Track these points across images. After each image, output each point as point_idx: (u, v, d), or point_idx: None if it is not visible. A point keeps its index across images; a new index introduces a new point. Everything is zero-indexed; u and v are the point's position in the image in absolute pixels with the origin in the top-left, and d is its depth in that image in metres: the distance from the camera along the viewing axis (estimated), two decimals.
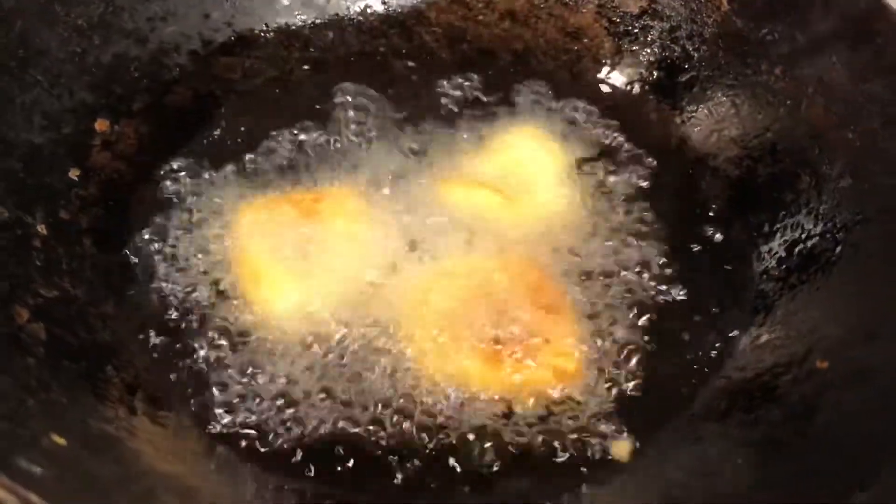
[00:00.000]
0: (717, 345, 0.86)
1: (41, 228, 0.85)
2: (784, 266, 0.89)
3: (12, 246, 0.82)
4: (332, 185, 0.95)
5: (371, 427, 0.79)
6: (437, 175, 0.97)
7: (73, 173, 0.91)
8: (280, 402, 0.81)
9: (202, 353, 0.83)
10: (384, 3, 1.15)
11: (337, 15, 1.13)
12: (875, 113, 0.87)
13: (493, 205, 0.93)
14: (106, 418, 0.72)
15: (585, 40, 1.12)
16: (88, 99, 0.96)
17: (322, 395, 0.81)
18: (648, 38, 1.09)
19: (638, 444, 0.78)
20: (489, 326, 0.83)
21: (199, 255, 0.90)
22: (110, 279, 0.87)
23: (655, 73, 1.09)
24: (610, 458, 0.78)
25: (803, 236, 0.89)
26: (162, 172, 0.97)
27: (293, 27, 1.12)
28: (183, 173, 0.97)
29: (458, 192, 0.94)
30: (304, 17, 1.12)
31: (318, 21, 1.13)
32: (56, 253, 0.85)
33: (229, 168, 0.98)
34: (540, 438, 0.79)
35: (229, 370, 0.82)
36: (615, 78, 1.11)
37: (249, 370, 0.82)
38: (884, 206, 0.84)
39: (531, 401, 0.81)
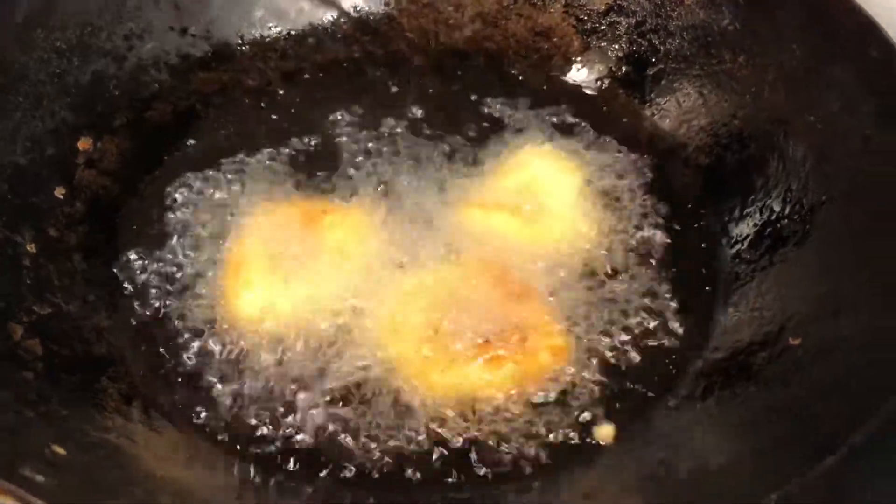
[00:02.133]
0: (695, 327, 0.88)
1: (31, 247, 0.87)
2: (755, 249, 0.92)
3: (3, 265, 0.84)
4: (333, 198, 0.98)
5: (365, 438, 0.81)
6: (440, 190, 1.00)
7: (59, 192, 0.93)
8: (272, 405, 0.83)
9: (194, 359, 0.86)
10: (356, 10, 1.17)
11: (310, 24, 1.16)
12: (834, 97, 0.90)
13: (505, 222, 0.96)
14: (104, 427, 0.74)
15: (555, 39, 1.15)
16: (70, 118, 0.97)
17: (316, 401, 0.83)
18: (615, 34, 1.12)
19: (620, 428, 0.80)
20: (472, 331, 0.85)
21: (188, 264, 0.93)
22: (102, 293, 0.89)
23: (624, 69, 1.11)
24: (594, 441, 0.80)
25: (772, 218, 0.92)
26: (147, 186, 0.99)
27: (268, 39, 1.14)
28: (169, 188, 0.99)
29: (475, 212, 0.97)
30: (278, 29, 1.14)
31: (292, 32, 1.15)
32: (47, 270, 0.87)
33: (215, 178, 1.00)
34: (528, 427, 0.81)
35: (221, 375, 0.84)
36: (584, 75, 1.13)
37: (242, 375, 0.84)
38: (847, 186, 0.87)
39: (517, 392, 0.83)
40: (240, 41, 1.13)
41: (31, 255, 0.86)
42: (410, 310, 0.88)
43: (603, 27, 1.13)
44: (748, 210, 0.96)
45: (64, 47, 0.98)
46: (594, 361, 0.86)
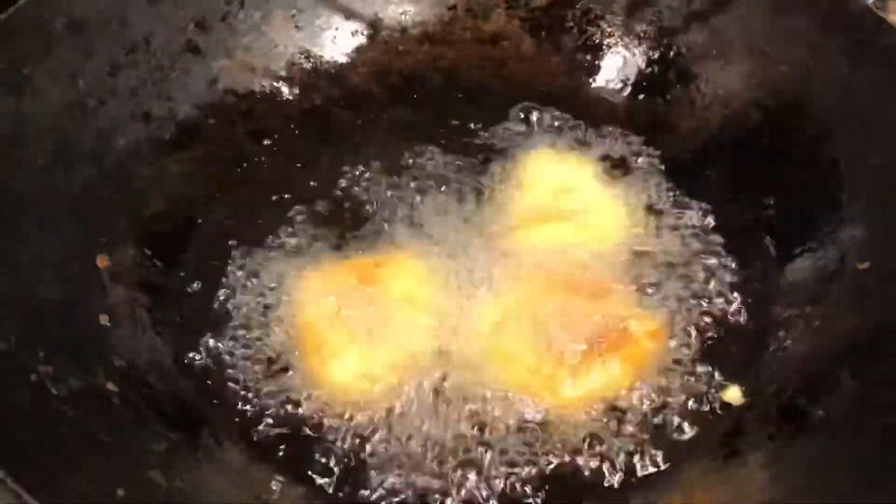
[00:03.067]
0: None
1: (111, 386, 0.79)
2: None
3: (98, 410, 0.76)
4: (377, 250, 0.97)
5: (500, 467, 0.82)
6: (477, 219, 1.00)
7: (104, 319, 0.85)
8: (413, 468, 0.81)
9: (274, 429, 0.84)
10: (309, 58, 1.14)
11: (270, 81, 1.11)
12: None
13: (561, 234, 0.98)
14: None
15: (505, 43, 1.18)
16: (77, 236, 0.89)
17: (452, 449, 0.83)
18: (565, 26, 1.17)
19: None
20: (574, 340, 0.87)
21: (262, 348, 0.89)
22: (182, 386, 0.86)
23: (579, 56, 1.17)
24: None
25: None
26: (177, 284, 0.94)
27: (229, 104, 1.09)
28: (199, 282, 0.94)
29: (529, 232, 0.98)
30: (236, 91, 1.09)
31: (253, 91, 1.11)
32: (131, 398, 0.80)
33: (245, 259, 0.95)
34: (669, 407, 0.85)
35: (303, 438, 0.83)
36: (544, 72, 1.17)
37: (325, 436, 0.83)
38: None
39: (640, 381, 0.87)
40: (201, 112, 1.07)
41: (115, 392, 0.79)
42: (507, 339, 0.89)
43: (550, 22, 1.17)
44: None
45: (43, 163, 0.89)
46: (693, 333, 0.90)
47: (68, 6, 0.94)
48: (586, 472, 0.82)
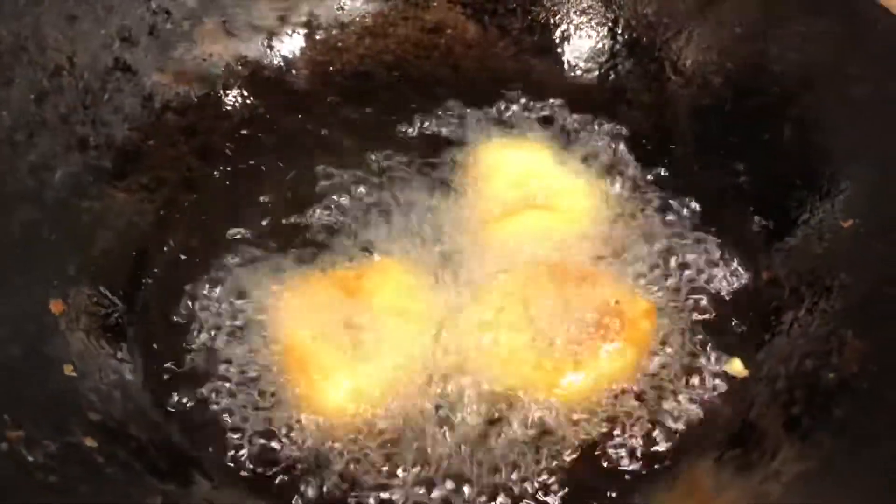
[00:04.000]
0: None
1: (90, 441, 0.72)
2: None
3: (78, 472, 0.69)
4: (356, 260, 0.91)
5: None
6: (453, 218, 0.96)
7: (68, 370, 0.78)
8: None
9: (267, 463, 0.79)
10: (245, 65, 1.08)
11: (208, 94, 1.05)
12: None
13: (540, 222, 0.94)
14: None
15: (448, 31, 1.14)
16: (26, 283, 0.82)
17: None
18: (508, 8, 1.13)
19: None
20: (572, 330, 0.84)
21: (240, 371, 0.84)
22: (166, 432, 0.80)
23: (528, 38, 1.13)
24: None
25: None
26: (150, 310, 0.89)
27: (168, 122, 1.02)
28: (176, 305, 0.88)
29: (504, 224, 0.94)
30: (173, 106, 1.02)
31: (189, 105, 1.03)
32: (114, 454, 0.73)
33: (217, 278, 0.90)
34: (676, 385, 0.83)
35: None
36: (492, 57, 1.13)
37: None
38: None
39: (644, 363, 0.85)
40: (140, 134, 0.99)
41: (96, 448, 0.72)
42: (503, 337, 0.85)
43: (492, 5, 1.13)
44: None
45: None
46: (686, 311, 0.89)
47: None
48: (604, 464, 0.79)
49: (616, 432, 0.81)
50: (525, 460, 0.79)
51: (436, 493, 0.76)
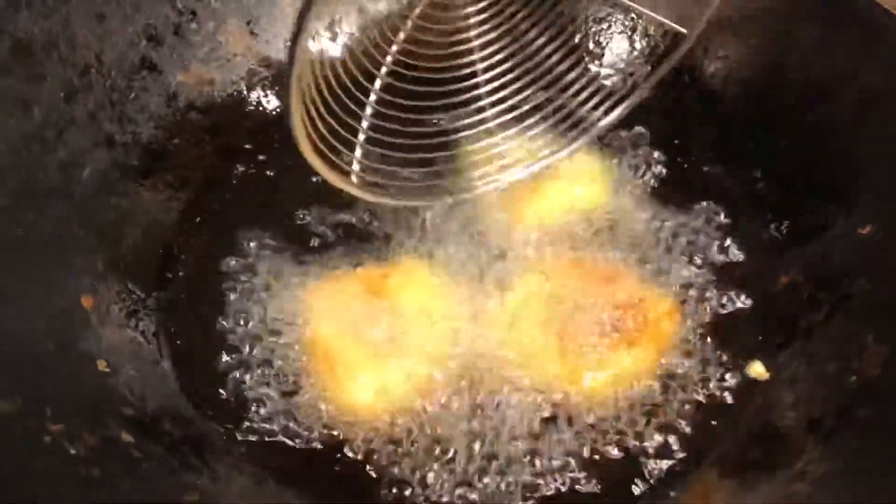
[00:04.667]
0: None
1: (126, 436, 0.73)
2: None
3: (119, 467, 0.70)
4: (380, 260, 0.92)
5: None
6: (470, 214, 0.97)
7: (102, 366, 0.79)
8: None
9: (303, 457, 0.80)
10: (269, 66, 1.08)
11: (232, 94, 1.05)
12: None
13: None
14: None
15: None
16: (59, 279, 0.82)
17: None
18: None
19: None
20: (595, 328, 0.86)
21: (273, 374, 0.85)
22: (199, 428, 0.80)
23: None
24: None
25: None
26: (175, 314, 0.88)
27: (193, 120, 1.02)
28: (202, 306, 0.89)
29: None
30: (198, 105, 1.03)
31: (213, 102, 1.04)
32: (150, 450, 0.74)
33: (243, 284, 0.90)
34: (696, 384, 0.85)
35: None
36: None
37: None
38: None
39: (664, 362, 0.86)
40: (165, 132, 1.00)
41: (130, 442, 0.72)
42: (526, 334, 0.87)
43: None
44: None
45: (9, 203, 0.82)
46: (706, 314, 0.90)
47: (10, 27, 0.86)
48: (625, 461, 0.81)
49: (637, 429, 0.82)
50: (543, 455, 0.80)
51: (453, 484, 0.78)
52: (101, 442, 0.70)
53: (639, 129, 1.06)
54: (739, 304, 0.91)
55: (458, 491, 0.78)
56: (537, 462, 0.80)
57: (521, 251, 0.94)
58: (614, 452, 0.81)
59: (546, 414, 0.83)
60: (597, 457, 0.81)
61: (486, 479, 0.79)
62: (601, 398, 0.84)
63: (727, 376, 0.86)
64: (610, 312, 0.87)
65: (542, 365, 0.85)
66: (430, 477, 0.78)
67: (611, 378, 0.85)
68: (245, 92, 1.07)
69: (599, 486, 0.79)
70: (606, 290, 0.89)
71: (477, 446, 0.81)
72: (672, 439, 0.82)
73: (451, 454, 0.80)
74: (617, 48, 1.12)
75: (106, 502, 0.64)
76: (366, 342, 0.85)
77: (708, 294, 0.92)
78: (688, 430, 0.83)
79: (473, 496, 0.78)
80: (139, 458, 0.71)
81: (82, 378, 0.76)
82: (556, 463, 0.80)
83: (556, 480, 0.79)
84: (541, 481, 0.79)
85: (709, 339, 0.88)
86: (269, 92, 1.08)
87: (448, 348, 0.86)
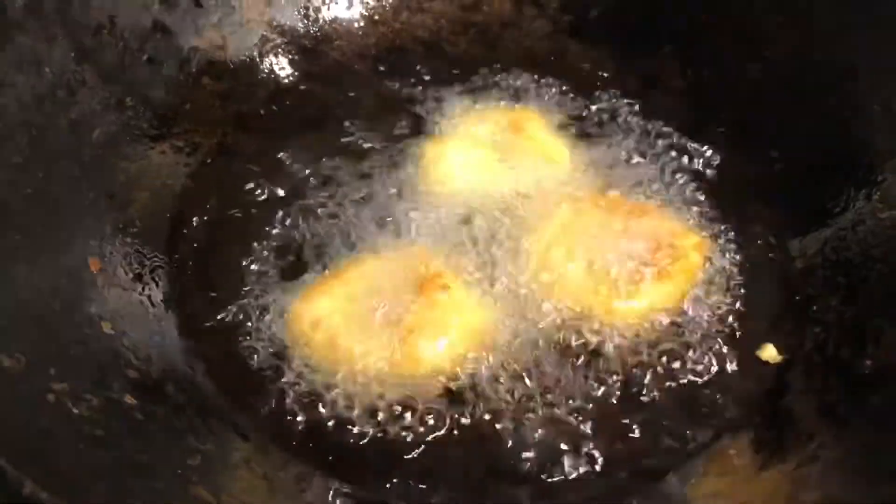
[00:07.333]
0: None
1: (129, 399, 0.72)
2: None
3: (122, 428, 0.69)
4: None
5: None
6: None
7: (107, 327, 0.78)
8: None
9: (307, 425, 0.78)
10: (282, 33, 1.07)
11: (244, 60, 1.04)
12: None
13: None
14: None
15: (485, 8, 1.14)
16: (66, 240, 0.82)
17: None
18: None
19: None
20: (627, 261, 0.86)
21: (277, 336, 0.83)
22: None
23: (565, 17, 1.13)
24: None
25: None
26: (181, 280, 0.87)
27: (205, 86, 1.01)
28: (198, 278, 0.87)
29: None
30: (210, 73, 1.02)
31: (226, 69, 1.03)
32: (153, 412, 0.73)
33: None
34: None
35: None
36: (531, 35, 1.13)
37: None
38: None
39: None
40: (177, 97, 0.99)
41: (135, 405, 0.72)
42: (559, 266, 0.87)
43: None
44: None
45: (20, 160, 0.81)
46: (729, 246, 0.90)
47: None
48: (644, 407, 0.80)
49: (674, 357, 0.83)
50: (570, 381, 0.81)
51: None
52: (104, 403, 0.69)
53: (650, 110, 1.04)
54: (753, 288, 0.89)
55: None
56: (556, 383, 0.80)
57: (550, 194, 0.94)
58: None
59: (576, 340, 0.83)
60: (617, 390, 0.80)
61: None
62: (630, 327, 0.84)
63: (736, 360, 0.84)
64: (642, 245, 0.87)
65: (574, 293, 0.85)
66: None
67: (641, 306, 0.85)
68: (258, 59, 1.06)
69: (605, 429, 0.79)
70: (639, 223, 0.89)
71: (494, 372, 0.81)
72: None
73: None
74: None
75: (109, 463, 0.63)
76: (377, 306, 0.83)
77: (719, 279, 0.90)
78: (700, 404, 0.81)
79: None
80: (142, 420, 0.71)
81: (87, 339, 0.75)
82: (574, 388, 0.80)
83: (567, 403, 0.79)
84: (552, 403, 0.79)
85: (719, 326, 0.86)
86: (282, 59, 1.07)
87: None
